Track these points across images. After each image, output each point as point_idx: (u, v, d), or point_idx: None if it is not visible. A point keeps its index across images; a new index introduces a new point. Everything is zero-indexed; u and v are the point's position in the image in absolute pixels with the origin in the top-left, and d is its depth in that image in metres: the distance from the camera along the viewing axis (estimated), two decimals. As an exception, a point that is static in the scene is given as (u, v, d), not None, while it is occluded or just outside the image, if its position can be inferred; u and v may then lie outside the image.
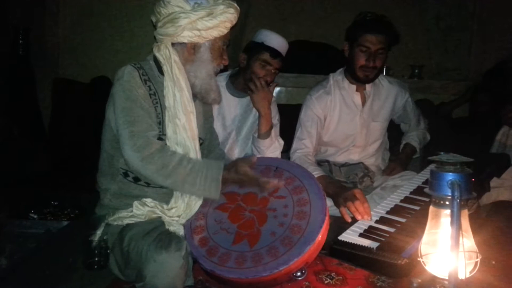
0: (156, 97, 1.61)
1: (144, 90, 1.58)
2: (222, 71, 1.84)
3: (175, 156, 1.54)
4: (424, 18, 4.54)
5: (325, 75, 2.50)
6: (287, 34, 2.50)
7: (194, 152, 1.61)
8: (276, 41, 2.22)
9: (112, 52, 3.63)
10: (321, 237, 1.46)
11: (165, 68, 1.60)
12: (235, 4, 1.63)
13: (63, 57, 3.71)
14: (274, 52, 2.19)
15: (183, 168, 1.52)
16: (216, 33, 1.60)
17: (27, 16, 3.36)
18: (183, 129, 1.59)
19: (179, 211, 1.57)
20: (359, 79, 2.29)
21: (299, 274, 1.43)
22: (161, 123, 1.60)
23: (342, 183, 2.22)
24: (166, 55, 1.60)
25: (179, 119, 1.58)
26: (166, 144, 1.58)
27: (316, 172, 2.12)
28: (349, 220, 1.80)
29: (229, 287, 1.48)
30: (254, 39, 2.28)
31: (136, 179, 1.61)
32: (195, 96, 1.69)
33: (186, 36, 1.58)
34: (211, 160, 1.64)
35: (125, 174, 1.62)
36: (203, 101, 1.75)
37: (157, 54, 1.61)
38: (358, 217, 1.74)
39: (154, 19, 1.65)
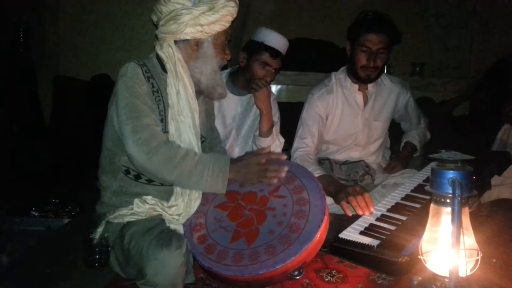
0: (159, 94, 1.61)
1: (147, 87, 1.58)
2: (222, 69, 1.84)
3: (181, 149, 1.54)
4: (425, 16, 4.54)
5: (325, 73, 2.49)
6: (287, 31, 2.50)
7: (197, 149, 1.61)
8: (276, 40, 2.21)
9: (113, 49, 3.63)
10: (319, 236, 1.45)
11: (168, 65, 1.60)
12: None
13: (64, 54, 3.70)
14: (274, 52, 2.18)
15: (191, 159, 1.52)
16: (218, 27, 1.61)
17: (27, 13, 3.35)
18: (187, 127, 1.59)
19: (179, 210, 1.57)
20: (361, 79, 2.29)
21: (296, 273, 1.42)
22: (163, 120, 1.60)
23: (342, 182, 2.22)
24: (169, 53, 1.60)
25: (184, 117, 1.58)
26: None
27: (317, 172, 2.11)
28: (350, 214, 1.79)
29: (227, 286, 1.48)
30: (254, 37, 2.27)
31: (137, 177, 1.61)
32: (199, 93, 1.69)
33: (189, 32, 1.58)
34: (217, 154, 1.64)
35: (127, 172, 1.62)
36: (209, 97, 1.75)
37: (159, 52, 1.61)
38: (360, 212, 1.74)
39: (155, 18, 1.65)
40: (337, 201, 1.92)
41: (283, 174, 1.58)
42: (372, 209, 1.75)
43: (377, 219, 1.71)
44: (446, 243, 1.22)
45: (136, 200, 1.56)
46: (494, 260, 1.63)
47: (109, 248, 1.59)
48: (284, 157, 1.64)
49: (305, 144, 2.31)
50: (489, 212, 2.39)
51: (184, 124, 1.58)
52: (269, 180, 1.58)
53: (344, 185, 1.99)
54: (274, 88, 4.04)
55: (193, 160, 1.52)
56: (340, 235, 1.60)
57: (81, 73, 3.56)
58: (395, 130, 2.67)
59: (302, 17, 4.54)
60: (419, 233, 1.43)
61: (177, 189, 1.58)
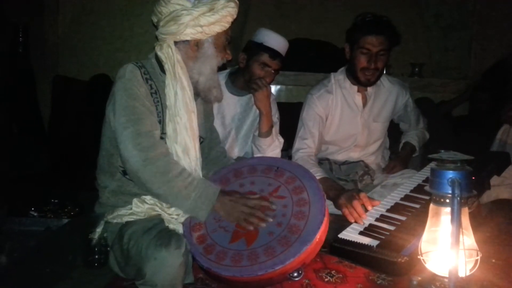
0: (157, 95, 1.61)
1: (146, 89, 1.58)
2: (221, 69, 1.84)
3: (177, 165, 1.53)
4: (424, 17, 4.54)
5: (325, 73, 2.49)
6: (287, 32, 2.49)
7: (194, 151, 1.61)
8: (276, 41, 2.20)
9: (112, 50, 3.63)
10: (319, 238, 1.45)
11: (167, 66, 1.59)
12: None
13: (63, 55, 3.70)
14: (273, 53, 2.18)
15: (183, 179, 1.51)
16: (218, 28, 1.61)
17: (26, 14, 3.35)
18: (184, 128, 1.58)
19: (178, 209, 1.56)
20: (361, 82, 2.28)
21: (295, 274, 1.42)
22: (161, 122, 1.60)
23: (343, 186, 2.20)
24: (169, 54, 1.60)
25: (180, 118, 1.58)
26: (167, 145, 1.58)
27: (318, 174, 2.10)
28: (353, 221, 1.78)
29: (226, 286, 1.48)
30: (253, 38, 2.27)
31: (135, 177, 1.60)
32: (196, 95, 1.69)
33: (189, 33, 1.58)
34: (210, 182, 1.62)
35: (124, 172, 1.61)
36: (205, 99, 1.75)
37: (159, 53, 1.62)
38: (351, 220, 1.74)
39: (155, 19, 1.65)
40: (337, 208, 1.91)
41: (263, 225, 1.51)
42: (365, 216, 1.74)
43: (377, 219, 1.71)
44: (446, 243, 1.22)
45: (135, 200, 1.56)
46: (493, 260, 1.63)
47: (108, 248, 1.59)
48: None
49: (306, 145, 2.31)
50: (489, 212, 2.39)
51: (180, 125, 1.58)
52: (248, 225, 1.51)
53: (344, 190, 1.98)
54: (273, 88, 4.04)
55: (185, 181, 1.51)
56: (340, 235, 1.60)
57: (80, 73, 3.56)
58: (394, 130, 2.67)
59: (302, 17, 4.54)
60: (418, 233, 1.43)
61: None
